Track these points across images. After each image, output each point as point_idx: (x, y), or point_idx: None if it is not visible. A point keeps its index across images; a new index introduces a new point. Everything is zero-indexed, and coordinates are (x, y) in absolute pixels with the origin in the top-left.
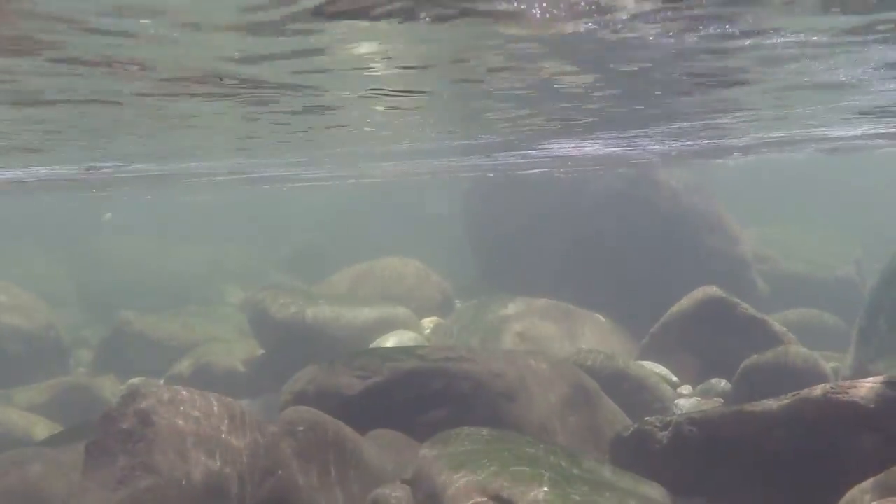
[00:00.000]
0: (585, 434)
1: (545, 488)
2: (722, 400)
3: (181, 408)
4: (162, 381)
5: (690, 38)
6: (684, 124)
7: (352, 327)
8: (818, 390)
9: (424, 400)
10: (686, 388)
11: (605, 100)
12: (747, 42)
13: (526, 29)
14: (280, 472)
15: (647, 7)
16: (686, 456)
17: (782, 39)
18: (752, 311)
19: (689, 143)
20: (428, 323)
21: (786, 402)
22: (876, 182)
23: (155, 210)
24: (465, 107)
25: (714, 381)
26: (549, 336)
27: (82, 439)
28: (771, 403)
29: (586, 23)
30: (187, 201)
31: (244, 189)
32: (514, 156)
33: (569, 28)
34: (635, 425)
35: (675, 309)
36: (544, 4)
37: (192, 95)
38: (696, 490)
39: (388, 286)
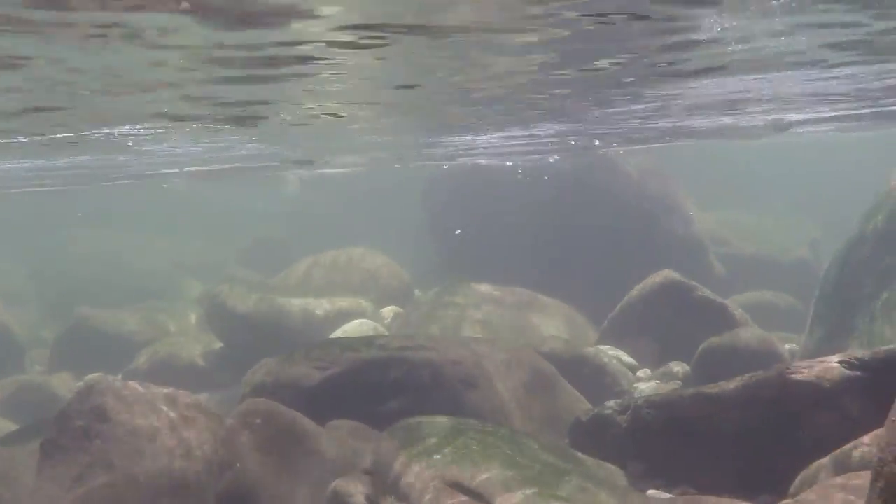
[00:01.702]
0: (545, 419)
1: (505, 473)
2: (681, 383)
3: (138, 403)
4: (120, 377)
5: None
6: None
7: (310, 318)
8: (774, 371)
9: (384, 389)
10: (645, 372)
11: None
12: None
13: None
14: (238, 464)
15: None
16: (645, 438)
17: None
18: (709, 294)
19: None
20: (387, 312)
21: (743, 383)
22: (834, 165)
23: (114, 204)
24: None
25: (673, 364)
26: (508, 323)
27: (37, 438)
28: (728, 385)
29: None
30: (145, 195)
31: (202, 181)
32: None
33: None
34: (595, 409)
35: (633, 293)
36: None
37: None
38: (656, 472)
39: (346, 276)
